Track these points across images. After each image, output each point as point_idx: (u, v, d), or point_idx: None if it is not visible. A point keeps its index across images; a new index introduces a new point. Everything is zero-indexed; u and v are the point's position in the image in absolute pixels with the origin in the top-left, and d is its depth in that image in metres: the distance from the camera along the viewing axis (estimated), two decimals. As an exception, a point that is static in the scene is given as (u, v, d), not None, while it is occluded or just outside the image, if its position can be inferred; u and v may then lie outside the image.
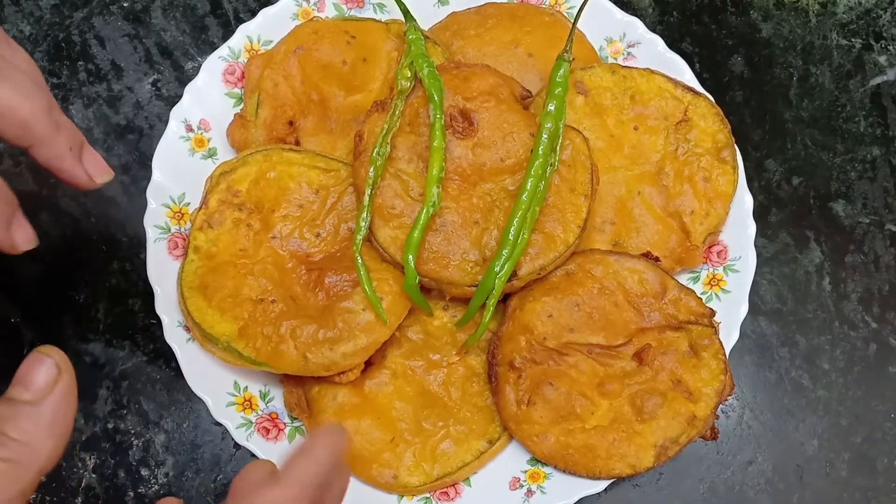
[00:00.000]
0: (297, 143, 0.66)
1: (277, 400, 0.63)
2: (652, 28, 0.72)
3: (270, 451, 0.61)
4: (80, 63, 0.75)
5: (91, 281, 0.69)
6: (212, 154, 0.67)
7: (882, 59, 0.79)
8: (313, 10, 0.70)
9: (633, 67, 0.67)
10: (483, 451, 0.61)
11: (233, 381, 0.63)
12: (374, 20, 0.69)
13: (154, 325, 0.68)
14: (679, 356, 0.61)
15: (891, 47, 0.80)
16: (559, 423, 0.60)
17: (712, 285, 0.66)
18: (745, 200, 0.66)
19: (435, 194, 0.59)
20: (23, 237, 0.55)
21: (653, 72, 0.67)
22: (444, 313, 0.64)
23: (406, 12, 0.65)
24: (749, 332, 0.71)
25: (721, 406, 0.62)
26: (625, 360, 0.62)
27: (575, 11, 0.69)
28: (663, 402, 0.60)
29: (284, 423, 0.63)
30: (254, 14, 0.70)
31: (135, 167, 0.72)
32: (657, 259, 0.64)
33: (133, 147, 0.73)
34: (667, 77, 0.67)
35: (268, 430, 0.62)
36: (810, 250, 0.74)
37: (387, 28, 0.68)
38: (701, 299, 0.62)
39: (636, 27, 0.70)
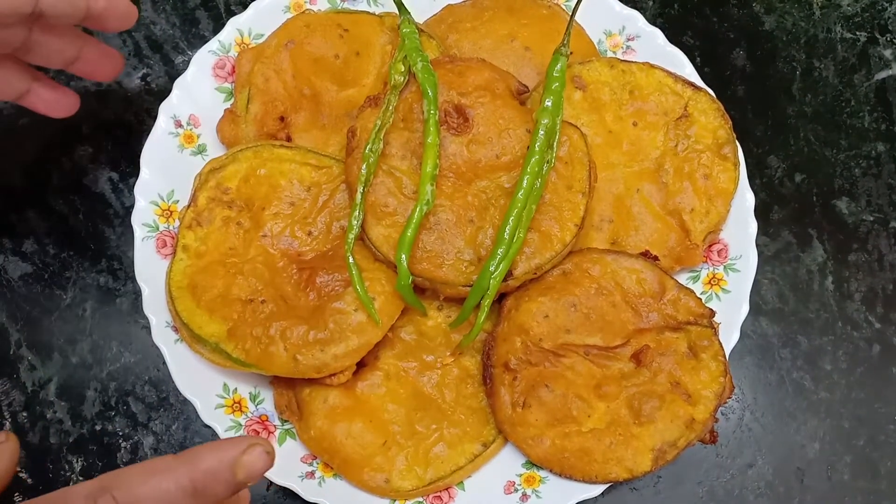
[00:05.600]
0: (289, 139, 0.65)
1: (268, 402, 0.62)
2: (652, 21, 0.71)
3: (260, 454, 0.60)
4: (68, 57, 0.73)
5: (78, 280, 0.68)
6: (201, 150, 0.66)
7: (887, 53, 0.78)
8: (305, 2, 0.68)
9: (632, 62, 0.65)
10: (477, 455, 0.60)
11: (222, 383, 0.61)
12: (367, 13, 0.67)
13: (142, 326, 0.67)
14: (678, 357, 0.60)
15: (896, 41, 0.78)
16: (555, 425, 0.59)
17: (712, 285, 0.65)
18: (746, 198, 0.65)
19: (429, 192, 0.58)
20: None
21: (652, 66, 0.65)
22: (439, 313, 0.63)
23: (400, 5, 0.64)
24: (750, 332, 0.70)
25: (721, 408, 0.61)
26: (622, 362, 0.60)
27: (573, 4, 0.68)
28: (661, 405, 0.59)
29: (275, 426, 0.61)
30: (245, 6, 0.68)
31: (123, 163, 0.71)
32: (656, 258, 0.62)
33: (122, 143, 0.71)
34: (667, 71, 0.65)
35: (258, 433, 0.60)
36: (813, 249, 0.72)
37: (381, 21, 0.67)
38: (700, 299, 0.61)
39: (636, 20, 0.69)
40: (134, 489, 0.37)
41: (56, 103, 0.62)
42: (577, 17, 0.66)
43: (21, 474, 0.64)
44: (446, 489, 0.61)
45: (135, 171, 0.64)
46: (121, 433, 0.66)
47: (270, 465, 0.40)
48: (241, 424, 0.60)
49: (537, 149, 0.58)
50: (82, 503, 0.37)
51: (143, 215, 0.63)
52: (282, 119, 0.65)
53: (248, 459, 0.39)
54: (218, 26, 0.73)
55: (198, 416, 0.60)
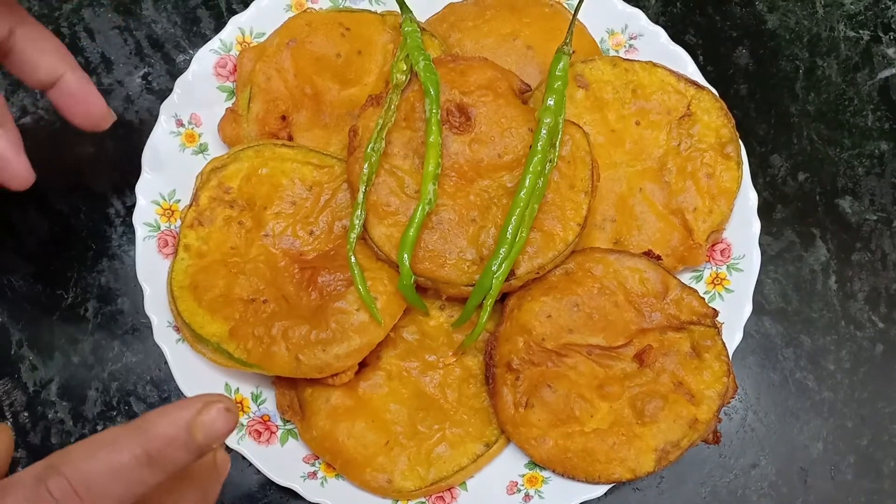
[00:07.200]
0: (290, 138, 0.65)
1: (270, 402, 0.62)
2: (654, 19, 0.70)
3: (262, 454, 0.60)
4: (69, 56, 0.73)
5: (79, 279, 0.68)
6: (203, 149, 0.66)
7: (890, 52, 0.77)
8: (307, 1, 0.68)
9: (634, 60, 0.65)
10: (480, 455, 0.60)
11: (224, 383, 0.61)
12: (369, 11, 0.67)
13: (144, 325, 0.67)
14: (681, 357, 0.60)
15: (900, 39, 0.78)
16: (558, 426, 0.59)
17: (715, 284, 0.65)
18: (749, 197, 0.65)
19: (431, 191, 0.57)
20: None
21: (655, 65, 0.65)
22: (441, 313, 0.63)
23: (402, 3, 0.63)
24: (753, 332, 0.69)
25: (724, 408, 0.61)
26: (625, 362, 0.60)
27: (575, 2, 0.68)
28: (664, 405, 0.59)
29: (277, 426, 0.61)
30: (247, 5, 0.68)
31: (125, 163, 0.71)
32: (659, 258, 0.62)
33: (123, 142, 0.71)
34: (669, 70, 0.65)
35: (260, 433, 0.60)
36: (816, 248, 0.72)
37: (382, 20, 0.67)
38: (703, 299, 0.61)
39: (638, 18, 0.68)
40: (84, 465, 0.34)
41: (83, 101, 0.56)
42: (580, 16, 0.66)
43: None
44: (449, 489, 0.60)
45: (136, 170, 0.64)
46: (122, 433, 0.65)
47: (233, 423, 0.37)
48: (242, 424, 0.60)
49: (540, 148, 0.58)
50: (31, 485, 0.34)
51: (145, 215, 0.63)
52: (283, 118, 0.65)
53: (206, 419, 0.35)
54: (219, 25, 0.73)
55: (199, 416, 0.60)
